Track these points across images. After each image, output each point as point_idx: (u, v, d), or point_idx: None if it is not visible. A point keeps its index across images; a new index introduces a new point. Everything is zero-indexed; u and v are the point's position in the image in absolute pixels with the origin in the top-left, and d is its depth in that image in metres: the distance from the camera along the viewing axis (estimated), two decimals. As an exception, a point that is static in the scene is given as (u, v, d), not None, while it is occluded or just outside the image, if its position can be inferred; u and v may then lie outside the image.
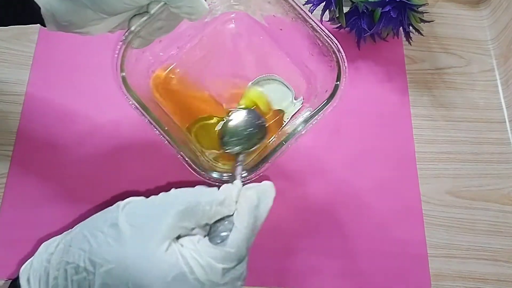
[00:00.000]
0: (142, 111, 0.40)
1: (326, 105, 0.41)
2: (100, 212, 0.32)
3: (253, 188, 0.34)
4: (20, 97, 0.56)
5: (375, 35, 0.61)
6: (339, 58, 0.42)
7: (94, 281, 0.29)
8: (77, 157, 0.53)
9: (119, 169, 0.53)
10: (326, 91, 0.43)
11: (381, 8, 0.55)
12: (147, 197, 0.33)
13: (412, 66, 0.63)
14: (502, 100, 0.62)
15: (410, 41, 0.61)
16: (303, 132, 0.41)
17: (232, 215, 0.32)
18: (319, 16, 0.59)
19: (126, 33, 0.41)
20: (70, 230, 0.34)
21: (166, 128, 0.39)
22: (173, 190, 0.32)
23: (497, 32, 0.65)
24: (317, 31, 0.42)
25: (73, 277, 0.30)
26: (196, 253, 0.29)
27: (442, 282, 0.53)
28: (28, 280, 0.31)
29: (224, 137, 0.44)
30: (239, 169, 0.38)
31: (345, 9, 0.58)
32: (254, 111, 0.46)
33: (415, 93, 0.61)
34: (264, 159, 0.40)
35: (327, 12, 0.59)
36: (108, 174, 0.53)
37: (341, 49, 0.43)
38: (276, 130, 0.47)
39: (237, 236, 0.31)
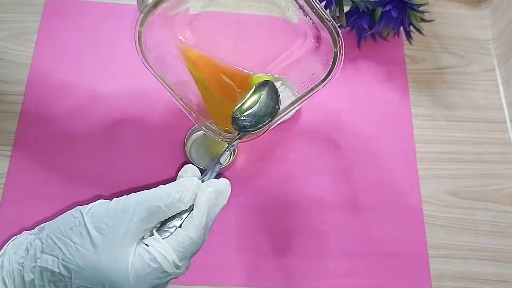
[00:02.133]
0: (159, 78, 0.42)
1: (329, 74, 0.42)
2: (63, 215, 0.34)
3: (212, 186, 0.35)
4: (19, 97, 0.56)
5: (375, 34, 0.61)
6: (332, 29, 0.41)
7: (71, 284, 0.32)
8: (76, 157, 0.53)
9: (118, 171, 0.53)
10: (313, 74, 0.43)
11: (381, 8, 0.55)
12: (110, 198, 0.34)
13: (413, 65, 0.63)
14: (503, 100, 0.62)
15: (411, 40, 0.60)
16: (308, 98, 0.42)
17: (187, 210, 0.34)
18: (320, 15, 0.59)
19: (142, 8, 0.41)
20: (36, 230, 0.35)
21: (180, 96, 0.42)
22: (132, 195, 0.34)
23: (498, 31, 0.64)
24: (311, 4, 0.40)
25: (50, 279, 0.32)
26: (163, 250, 0.32)
27: (443, 282, 0.52)
28: (4, 280, 0.33)
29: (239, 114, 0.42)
30: (218, 164, 0.38)
31: (346, 9, 0.58)
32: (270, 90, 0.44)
33: (416, 93, 0.61)
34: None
35: (327, 11, 0.59)
36: (109, 175, 0.53)
37: (335, 24, 0.41)
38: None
39: (192, 229, 0.33)
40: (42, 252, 0.33)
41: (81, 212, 0.33)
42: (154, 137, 0.55)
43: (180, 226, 0.34)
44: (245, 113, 0.41)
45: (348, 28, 0.61)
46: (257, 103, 0.42)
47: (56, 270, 0.32)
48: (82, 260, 0.31)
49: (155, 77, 0.42)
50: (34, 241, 0.34)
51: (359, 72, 0.61)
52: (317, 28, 0.45)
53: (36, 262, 0.33)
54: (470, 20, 0.66)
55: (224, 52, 0.50)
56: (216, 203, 0.34)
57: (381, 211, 0.54)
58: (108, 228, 0.32)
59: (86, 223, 0.32)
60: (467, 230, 0.55)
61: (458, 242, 0.54)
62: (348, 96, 0.60)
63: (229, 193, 0.36)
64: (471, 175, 0.57)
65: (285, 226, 0.53)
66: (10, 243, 0.36)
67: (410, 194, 0.56)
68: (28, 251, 0.34)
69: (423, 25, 0.59)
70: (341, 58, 0.42)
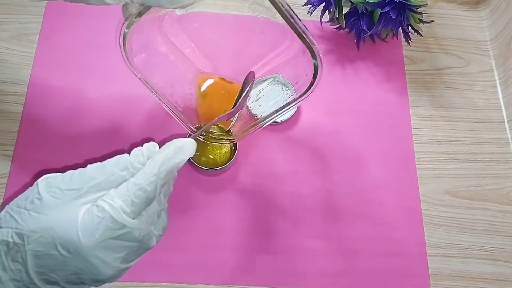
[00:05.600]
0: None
1: (312, 85, 0.42)
2: (22, 193, 0.34)
3: (174, 142, 0.35)
4: (21, 97, 0.56)
5: (374, 35, 0.62)
6: (308, 41, 0.40)
7: (25, 252, 0.31)
8: (78, 157, 0.54)
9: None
10: (306, 75, 0.43)
11: (380, 9, 0.55)
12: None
13: (411, 66, 0.63)
14: (501, 100, 0.62)
15: (409, 41, 0.61)
16: (291, 107, 0.45)
17: None
18: (319, 16, 0.60)
19: (126, 15, 0.41)
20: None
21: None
22: (89, 165, 0.33)
23: (496, 32, 0.65)
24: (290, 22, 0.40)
25: (6, 252, 0.31)
26: (111, 199, 0.31)
27: (442, 281, 0.53)
28: None
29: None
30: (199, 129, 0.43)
31: (345, 10, 0.58)
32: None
33: (414, 94, 0.61)
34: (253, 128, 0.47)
35: (326, 12, 0.59)
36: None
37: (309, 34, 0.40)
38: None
39: (141, 176, 0.32)
40: (0, 227, 0.32)
41: (37, 183, 0.33)
42: (156, 137, 0.55)
43: None
44: None
45: (347, 29, 0.61)
46: None
47: (10, 240, 0.31)
48: (34, 224, 0.31)
49: (143, 83, 0.44)
50: None
51: (358, 73, 0.62)
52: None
53: None
54: (468, 21, 0.67)
55: (210, 52, 0.50)
56: (173, 157, 0.34)
57: (380, 211, 0.55)
58: (61, 192, 0.32)
59: (40, 189, 0.32)
60: (465, 229, 0.55)
61: (456, 241, 0.55)
62: (347, 97, 0.60)
63: (191, 151, 0.35)
64: (469, 175, 0.58)
65: (284, 226, 0.53)
66: None
67: (408, 194, 0.56)
68: None
69: (421, 26, 0.59)
70: (321, 71, 0.41)
